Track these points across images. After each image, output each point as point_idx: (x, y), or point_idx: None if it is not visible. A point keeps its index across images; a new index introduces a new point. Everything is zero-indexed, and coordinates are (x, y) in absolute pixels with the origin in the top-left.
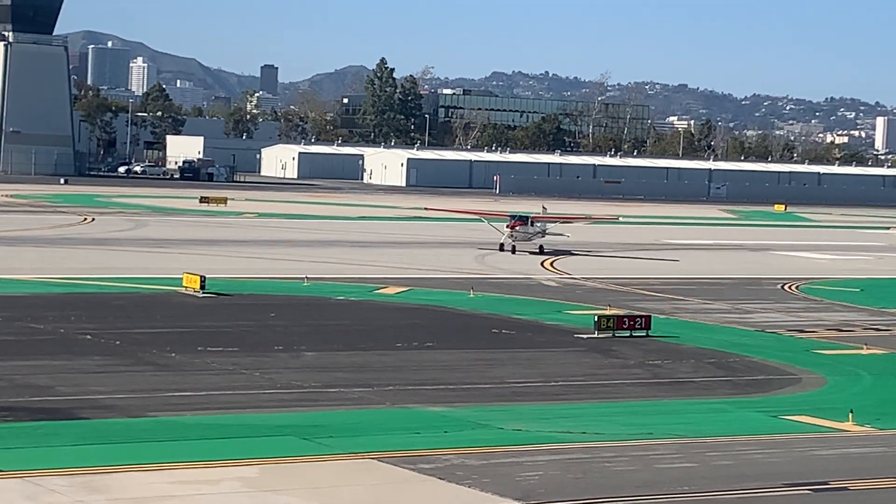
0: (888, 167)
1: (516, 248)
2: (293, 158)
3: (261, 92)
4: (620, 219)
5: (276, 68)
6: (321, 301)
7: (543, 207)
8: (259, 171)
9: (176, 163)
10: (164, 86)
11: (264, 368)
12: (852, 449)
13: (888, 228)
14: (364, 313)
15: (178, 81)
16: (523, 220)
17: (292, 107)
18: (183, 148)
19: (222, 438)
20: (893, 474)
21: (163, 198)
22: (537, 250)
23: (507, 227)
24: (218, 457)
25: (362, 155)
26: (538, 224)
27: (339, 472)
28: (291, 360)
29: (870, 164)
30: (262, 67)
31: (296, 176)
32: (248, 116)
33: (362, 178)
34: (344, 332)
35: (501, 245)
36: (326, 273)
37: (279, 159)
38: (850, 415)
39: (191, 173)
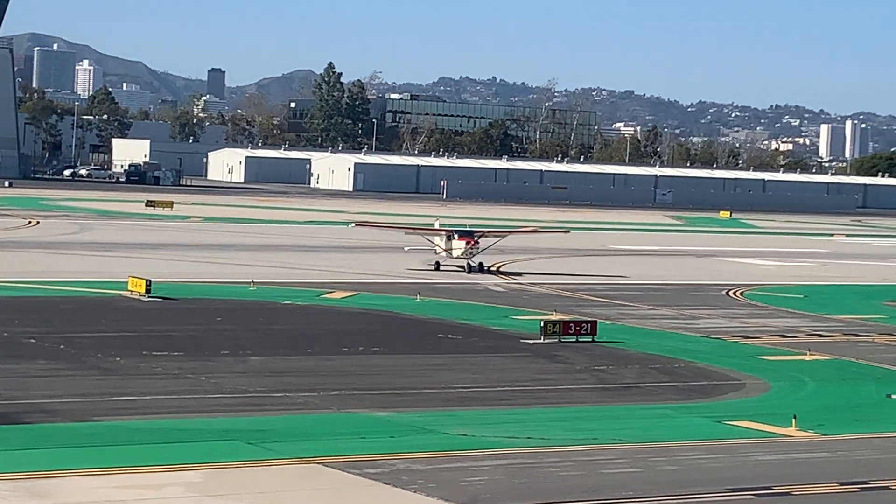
0: (832, 174)
1: (471, 266)
2: (240, 162)
3: (208, 96)
4: (571, 231)
5: (224, 72)
6: (267, 305)
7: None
8: (206, 175)
9: (122, 166)
10: (110, 89)
11: (210, 373)
12: (795, 454)
13: (832, 235)
14: (310, 318)
15: (125, 84)
16: (470, 234)
17: (239, 111)
18: (129, 151)
19: (167, 443)
20: (836, 480)
21: (108, 201)
22: (476, 266)
23: (463, 241)
24: (162, 462)
25: (309, 159)
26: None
27: (284, 477)
28: (237, 364)
29: (814, 171)
30: (209, 71)
31: (242, 180)
32: (195, 120)
33: (309, 183)
34: (290, 337)
35: (437, 263)
36: (273, 277)
37: (226, 163)
38: (794, 420)
39: (137, 177)
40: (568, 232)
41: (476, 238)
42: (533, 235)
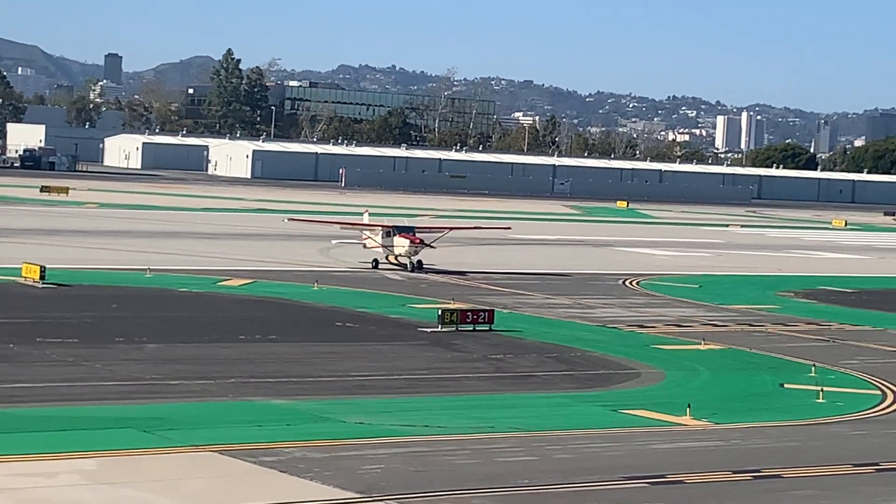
0: (728, 166)
1: (413, 265)
2: (137, 149)
3: (105, 81)
4: (512, 228)
5: (121, 57)
6: (164, 293)
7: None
8: (102, 161)
9: (16, 151)
10: (4, 73)
11: (105, 360)
12: (689, 443)
13: (727, 226)
14: (207, 305)
15: (20, 69)
16: (411, 230)
17: (137, 96)
18: (24, 136)
19: (61, 431)
20: (729, 468)
21: (2, 186)
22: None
23: (406, 238)
24: (56, 449)
25: (207, 146)
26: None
27: (179, 465)
28: (133, 351)
29: (710, 162)
30: (106, 56)
31: (139, 166)
32: (92, 105)
33: (207, 170)
34: (186, 324)
35: (375, 261)
36: (169, 264)
37: (123, 149)
38: (688, 409)
39: (31, 162)
40: (510, 228)
41: (419, 235)
42: (429, 219)
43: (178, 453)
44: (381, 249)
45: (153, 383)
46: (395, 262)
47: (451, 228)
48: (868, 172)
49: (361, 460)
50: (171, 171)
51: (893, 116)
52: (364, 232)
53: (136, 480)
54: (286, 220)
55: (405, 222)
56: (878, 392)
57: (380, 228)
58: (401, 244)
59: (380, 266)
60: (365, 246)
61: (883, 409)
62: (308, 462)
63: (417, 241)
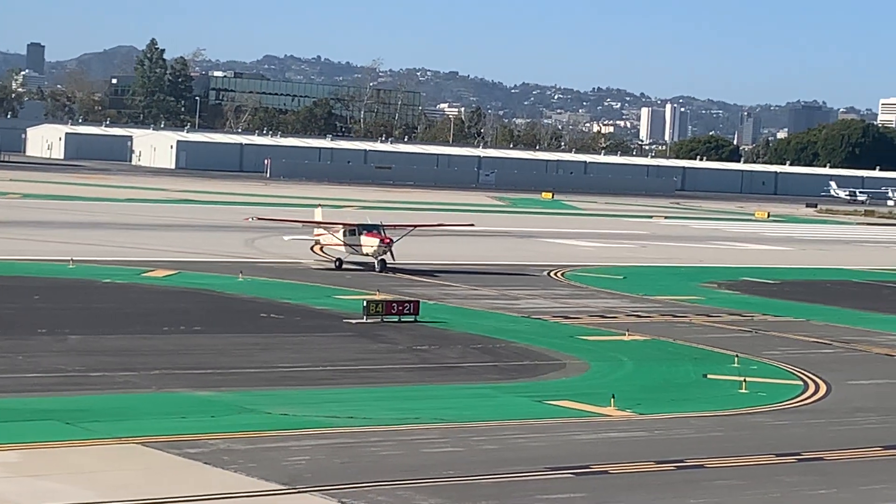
0: (652, 157)
1: (383, 264)
2: (60, 139)
3: (27, 70)
4: (475, 225)
5: (43, 46)
6: (87, 284)
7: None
8: (24, 152)
9: None
10: None
11: (27, 352)
12: (613, 433)
13: (651, 217)
14: (131, 296)
15: None
16: (377, 229)
17: (59, 86)
18: None
19: None
20: (652, 458)
21: None
22: (378, 266)
23: (375, 237)
24: None
25: (131, 136)
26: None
27: (102, 457)
28: (55, 343)
29: (634, 153)
30: (28, 45)
31: (62, 157)
32: (14, 95)
33: (131, 160)
34: (110, 316)
35: (339, 261)
36: (93, 255)
37: (45, 139)
38: (612, 400)
39: None
40: (472, 225)
41: (388, 234)
42: (356, 212)
43: (102, 445)
44: (343, 248)
45: (76, 375)
46: (361, 260)
47: (416, 226)
48: (790, 164)
49: (286, 452)
50: (94, 161)
51: (816, 109)
52: (316, 230)
53: (59, 472)
54: (251, 219)
55: (367, 219)
56: (800, 382)
57: (341, 226)
58: (369, 243)
59: (343, 266)
60: (319, 244)
61: (805, 399)
62: (232, 454)
63: (387, 240)
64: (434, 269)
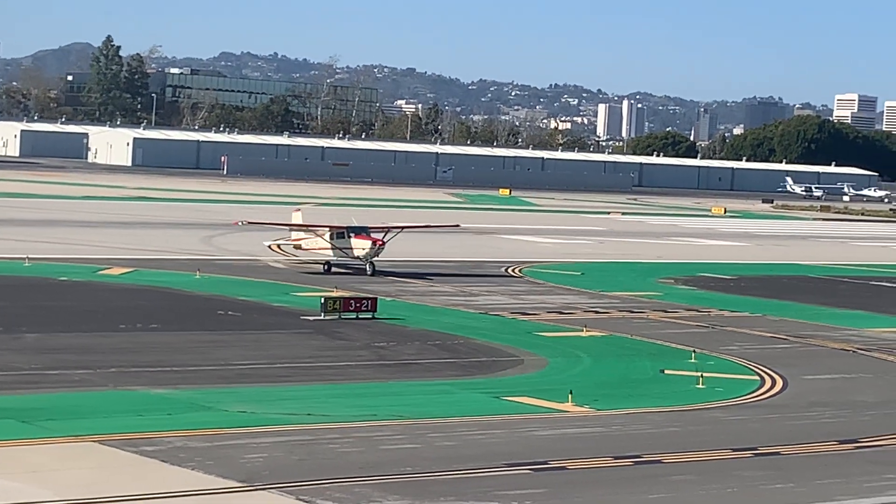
0: (609, 153)
1: (374, 267)
2: (15, 136)
3: None
4: (461, 226)
5: None
6: (43, 282)
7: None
8: None
9: None
10: None
11: None
12: (571, 429)
13: (608, 213)
14: (88, 294)
15: None
16: (365, 231)
17: (14, 83)
18: None
19: None
20: (610, 454)
21: None
22: (370, 270)
23: (367, 240)
24: None
25: (87, 133)
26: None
27: (59, 455)
28: (11, 341)
29: (591, 150)
30: None
31: (17, 154)
32: None
33: (87, 158)
34: (67, 314)
35: (328, 264)
36: (49, 253)
37: (0, 137)
38: (570, 396)
39: None
40: (458, 226)
41: (375, 236)
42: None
43: (58, 443)
44: (330, 251)
45: (32, 373)
46: (350, 265)
47: (403, 228)
48: (747, 160)
49: (243, 449)
50: (50, 158)
51: (771, 105)
52: (293, 233)
53: (15, 471)
54: (241, 223)
55: (354, 221)
56: (757, 377)
57: (327, 229)
58: (360, 246)
59: (332, 270)
60: (299, 247)
61: (761, 394)
62: (189, 451)
63: (380, 242)
64: (421, 271)
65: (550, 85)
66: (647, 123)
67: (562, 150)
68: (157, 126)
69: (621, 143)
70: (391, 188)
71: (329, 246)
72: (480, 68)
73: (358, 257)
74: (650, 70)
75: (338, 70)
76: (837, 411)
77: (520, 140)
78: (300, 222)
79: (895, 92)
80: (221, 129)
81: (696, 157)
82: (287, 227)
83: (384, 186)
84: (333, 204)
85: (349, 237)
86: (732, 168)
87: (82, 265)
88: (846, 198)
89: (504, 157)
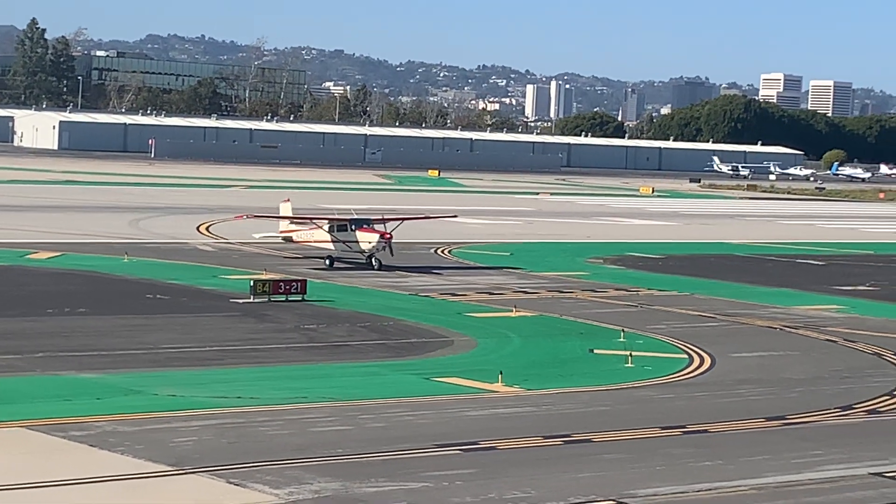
0: (537, 134)
1: (380, 261)
2: None
3: None
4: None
5: None
6: None
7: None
8: None
9: None
10: None
11: None
12: (502, 409)
13: (537, 194)
14: (14, 279)
15: None
16: (368, 223)
17: None
18: None
19: None
20: (540, 433)
21: None
22: (376, 264)
23: (374, 233)
24: None
25: (12, 117)
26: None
27: None
28: None
29: (520, 131)
30: None
31: None
32: None
33: (12, 141)
34: None
35: (330, 258)
36: None
37: None
38: (500, 376)
39: None
40: (456, 216)
41: (379, 228)
42: (241, 191)
43: None
44: (329, 245)
45: None
46: (353, 259)
47: (404, 219)
48: (674, 140)
49: (173, 433)
50: None
51: (698, 84)
52: (285, 223)
53: None
54: (245, 217)
55: (354, 214)
56: (685, 356)
57: (326, 222)
58: (366, 239)
59: (335, 264)
60: (290, 239)
61: (690, 372)
62: (119, 436)
63: (388, 235)
64: (432, 266)
65: (479, 66)
66: (575, 104)
67: (490, 131)
68: (84, 109)
69: (549, 123)
70: (320, 170)
71: (328, 239)
72: (409, 49)
73: (363, 251)
74: (578, 51)
75: (265, 52)
76: (765, 389)
77: (448, 121)
78: (290, 214)
79: (820, 71)
80: (149, 111)
81: (623, 138)
82: (289, 221)
83: (313, 168)
84: (263, 186)
85: (354, 230)
86: (660, 148)
87: (8, 249)
88: (772, 177)
89: (433, 138)
